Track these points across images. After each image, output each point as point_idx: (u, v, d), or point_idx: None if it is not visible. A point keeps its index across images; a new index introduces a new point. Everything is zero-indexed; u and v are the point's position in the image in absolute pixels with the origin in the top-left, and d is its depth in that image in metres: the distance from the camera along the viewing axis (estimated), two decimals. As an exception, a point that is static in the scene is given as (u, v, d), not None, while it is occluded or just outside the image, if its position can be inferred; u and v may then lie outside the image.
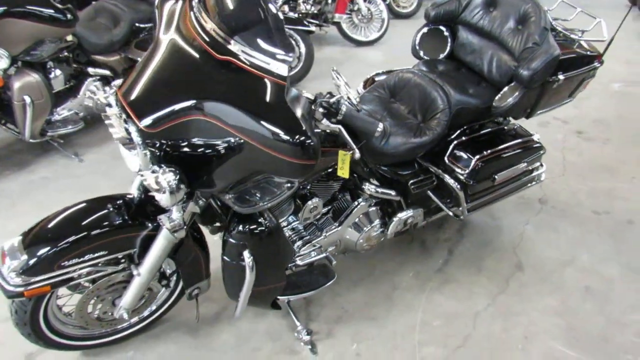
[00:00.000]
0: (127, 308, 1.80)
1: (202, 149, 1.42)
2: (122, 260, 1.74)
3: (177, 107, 1.38)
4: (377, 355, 2.04)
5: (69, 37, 3.26)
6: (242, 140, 1.37)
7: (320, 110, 1.50)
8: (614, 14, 2.74)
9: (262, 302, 1.93)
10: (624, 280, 2.44)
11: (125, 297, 1.78)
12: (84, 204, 1.70)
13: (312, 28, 4.89)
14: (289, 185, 1.59)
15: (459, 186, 2.15)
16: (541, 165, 2.51)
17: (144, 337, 2.08)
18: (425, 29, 2.45)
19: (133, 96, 1.44)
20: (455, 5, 2.36)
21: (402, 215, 2.22)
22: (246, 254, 1.66)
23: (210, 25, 1.43)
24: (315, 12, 5.41)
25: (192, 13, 1.49)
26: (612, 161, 3.46)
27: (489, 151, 2.17)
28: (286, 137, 1.31)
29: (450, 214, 2.34)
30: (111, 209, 1.68)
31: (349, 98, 1.48)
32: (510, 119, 2.42)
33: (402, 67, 2.34)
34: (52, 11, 2.96)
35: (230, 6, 1.47)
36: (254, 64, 1.37)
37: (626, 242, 2.70)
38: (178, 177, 1.40)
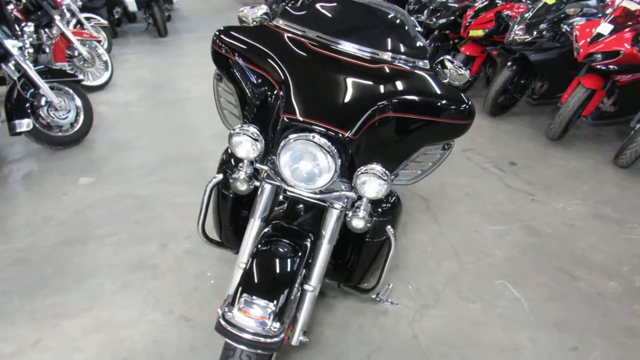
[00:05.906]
0: None
1: (391, 139, 1.71)
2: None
3: (368, 113, 1.58)
4: (424, 283, 2.61)
5: None
6: (423, 120, 1.72)
7: None
8: None
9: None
10: (477, 181, 3.72)
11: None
12: (261, 251, 1.65)
13: (81, 76, 4.52)
14: (447, 146, 1.97)
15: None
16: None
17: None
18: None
19: (321, 115, 1.54)
20: None
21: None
22: (388, 228, 1.97)
23: (350, 46, 1.71)
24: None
25: (317, 39, 1.71)
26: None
27: None
28: (459, 107, 1.75)
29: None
30: (283, 240, 1.70)
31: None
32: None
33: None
34: None
35: (373, 29, 1.78)
36: (406, 64, 1.75)
37: (450, 164, 3.99)
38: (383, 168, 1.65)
